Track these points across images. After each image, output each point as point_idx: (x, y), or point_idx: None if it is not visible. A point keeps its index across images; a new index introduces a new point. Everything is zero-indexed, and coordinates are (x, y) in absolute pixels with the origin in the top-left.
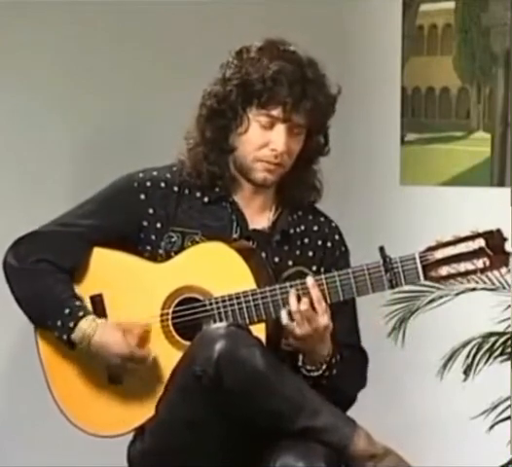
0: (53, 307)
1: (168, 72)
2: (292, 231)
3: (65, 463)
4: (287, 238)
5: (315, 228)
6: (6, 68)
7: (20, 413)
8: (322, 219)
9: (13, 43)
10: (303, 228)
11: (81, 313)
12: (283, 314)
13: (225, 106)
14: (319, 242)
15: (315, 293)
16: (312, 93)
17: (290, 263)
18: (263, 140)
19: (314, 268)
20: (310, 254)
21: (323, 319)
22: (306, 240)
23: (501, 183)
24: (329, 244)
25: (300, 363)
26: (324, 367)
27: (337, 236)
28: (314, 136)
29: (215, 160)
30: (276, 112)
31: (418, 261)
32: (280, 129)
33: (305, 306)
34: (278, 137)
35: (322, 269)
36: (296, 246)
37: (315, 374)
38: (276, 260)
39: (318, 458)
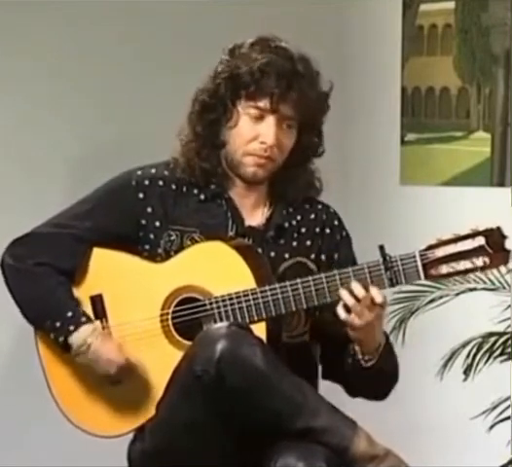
0: (53, 309)
1: (168, 72)
2: (287, 224)
3: (65, 463)
4: (282, 232)
5: (312, 216)
6: (6, 70)
7: (20, 413)
8: (320, 206)
9: (13, 45)
10: (299, 218)
11: (83, 319)
12: (340, 309)
13: (215, 100)
14: (317, 230)
15: (374, 291)
16: (301, 86)
17: (287, 255)
18: (252, 133)
19: (313, 256)
20: (308, 243)
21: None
22: (303, 230)
23: (501, 183)
24: (328, 230)
25: (359, 356)
26: (380, 352)
27: (336, 222)
28: (307, 134)
29: (207, 156)
30: (264, 103)
31: (418, 259)
32: (269, 122)
33: (361, 294)
34: (267, 130)
35: (323, 257)
36: (292, 238)
37: (374, 362)
38: (272, 254)
39: (319, 459)
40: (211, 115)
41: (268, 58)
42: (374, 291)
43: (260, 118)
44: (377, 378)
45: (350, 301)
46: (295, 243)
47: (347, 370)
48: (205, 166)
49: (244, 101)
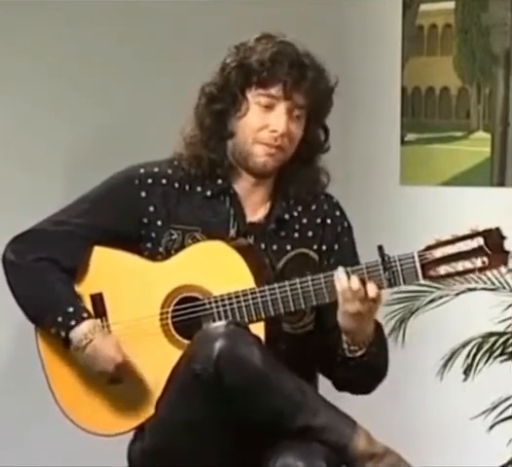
0: (54, 304)
1: (168, 72)
2: (287, 216)
3: (65, 463)
4: (283, 225)
5: (314, 206)
6: (6, 70)
7: (20, 413)
8: (322, 197)
9: (13, 45)
10: (300, 209)
11: (85, 315)
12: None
13: (223, 91)
14: (318, 220)
15: (370, 284)
16: (311, 76)
17: (289, 247)
18: (262, 122)
19: (315, 246)
20: (310, 234)
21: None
22: (304, 221)
23: (501, 183)
24: (329, 221)
25: (344, 345)
26: (368, 345)
27: (337, 212)
28: (313, 127)
29: (214, 147)
30: (276, 90)
31: (416, 260)
32: (280, 110)
33: (356, 286)
34: (278, 118)
35: (324, 247)
36: (293, 230)
37: (360, 353)
38: (275, 247)
39: (318, 458)
40: (218, 106)
41: (278, 48)
42: (369, 285)
43: (270, 107)
44: (365, 371)
45: (345, 285)
46: (296, 235)
47: (338, 362)
48: (212, 157)
49: (255, 89)
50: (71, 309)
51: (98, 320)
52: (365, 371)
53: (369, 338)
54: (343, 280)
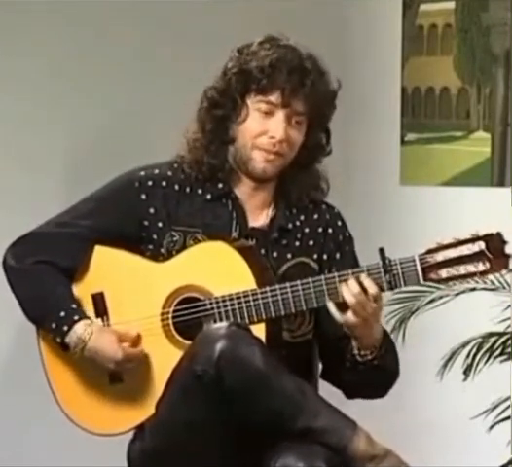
0: (49, 310)
1: (168, 72)
2: (290, 225)
3: (65, 463)
4: (285, 234)
5: (316, 216)
6: (6, 70)
7: (20, 413)
8: (324, 207)
9: (13, 45)
10: (302, 218)
11: (76, 317)
12: (333, 310)
13: (225, 96)
14: (320, 230)
15: (367, 281)
16: (311, 82)
17: (289, 256)
18: (262, 128)
19: (315, 256)
20: (311, 243)
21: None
22: (306, 230)
23: (501, 183)
24: (330, 230)
25: (355, 351)
26: (377, 348)
27: (339, 222)
28: (314, 131)
29: (215, 151)
30: (275, 97)
31: (417, 263)
32: (279, 116)
33: (357, 291)
34: (277, 124)
35: (324, 256)
36: (295, 239)
37: (370, 357)
38: (275, 255)
39: (319, 459)
40: (220, 111)
41: (278, 54)
42: (366, 281)
43: (270, 113)
44: (375, 374)
45: (349, 297)
46: (298, 244)
47: (347, 367)
48: (213, 162)
49: (254, 96)
50: (63, 314)
51: (93, 320)
52: (375, 374)
53: (378, 341)
54: (346, 292)
